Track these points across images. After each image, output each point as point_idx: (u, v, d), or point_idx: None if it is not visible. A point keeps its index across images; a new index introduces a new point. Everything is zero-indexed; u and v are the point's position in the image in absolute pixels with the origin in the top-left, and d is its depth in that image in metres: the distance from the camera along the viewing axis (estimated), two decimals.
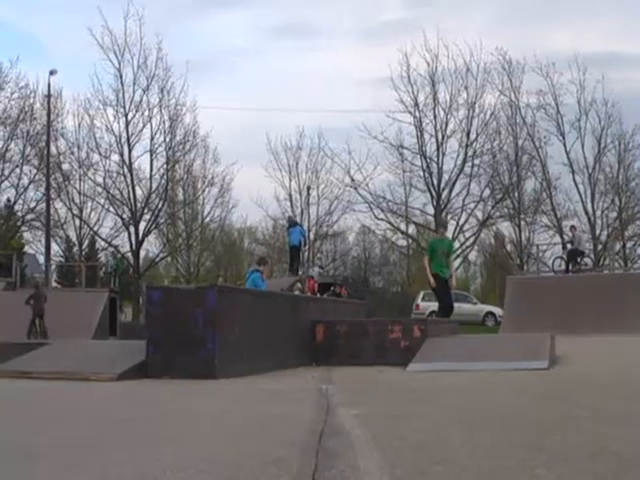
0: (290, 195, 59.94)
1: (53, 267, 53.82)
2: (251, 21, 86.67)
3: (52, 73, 50.35)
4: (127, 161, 53.81)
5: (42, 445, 5.59)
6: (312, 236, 58.18)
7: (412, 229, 57.01)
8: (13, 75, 52.93)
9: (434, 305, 44.13)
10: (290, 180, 60.11)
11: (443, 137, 52.83)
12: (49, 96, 50.59)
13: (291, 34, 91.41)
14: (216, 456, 5.08)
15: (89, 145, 54.21)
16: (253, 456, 5.00)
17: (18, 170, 53.48)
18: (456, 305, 41.89)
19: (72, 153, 54.52)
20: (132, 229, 54.08)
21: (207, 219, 60.07)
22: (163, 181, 55.02)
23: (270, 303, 14.35)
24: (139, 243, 54.20)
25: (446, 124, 52.81)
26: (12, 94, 53.02)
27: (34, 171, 53.33)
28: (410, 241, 57.36)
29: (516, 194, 53.06)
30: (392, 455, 4.99)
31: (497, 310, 42.78)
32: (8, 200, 54.82)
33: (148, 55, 53.52)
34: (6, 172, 53.43)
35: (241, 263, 62.97)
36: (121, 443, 5.69)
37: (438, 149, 52.75)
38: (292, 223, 36.21)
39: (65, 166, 54.56)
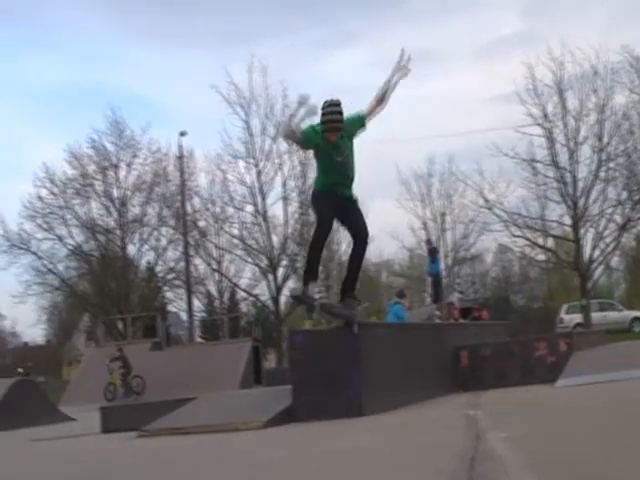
0: (424, 223, 59.77)
1: (196, 323, 54.66)
2: (367, 57, 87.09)
3: (182, 134, 51.57)
4: (261, 210, 54.45)
5: None
6: (450, 261, 57.77)
7: (550, 242, 56.00)
8: (145, 141, 54.42)
9: (578, 317, 43.43)
10: (423, 208, 59.96)
11: (575, 145, 51.81)
12: (181, 157, 51.74)
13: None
14: None
15: (223, 199, 55.06)
16: None
17: (156, 232, 54.75)
18: (601, 314, 40.95)
19: (207, 209, 55.49)
20: (270, 276, 54.56)
21: (344, 257, 60.25)
22: (298, 225, 55.45)
23: (411, 334, 14.23)
24: (278, 289, 54.65)
25: (577, 131, 51.79)
26: (145, 159, 54.49)
27: (171, 231, 54.50)
28: (549, 255, 56.30)
29: None
30: (547, 478, 4.86)
31: None
32: (149, 262, 56.10)
33: (274, 103, 54.22)
34: (145, 235, 54.78)
35: (380, 297, 62.86)
36: None
37: (571, 158, 51.79)
38: (432, 251, 35.97)
39: (201, 223, 55.55)
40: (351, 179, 11.47)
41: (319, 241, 11.05)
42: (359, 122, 11.28)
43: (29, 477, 7.99)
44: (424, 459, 6.28)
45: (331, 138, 10.94)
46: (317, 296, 11.18)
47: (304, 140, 11.33)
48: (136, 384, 31.55)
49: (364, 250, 11.48)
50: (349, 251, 11.84)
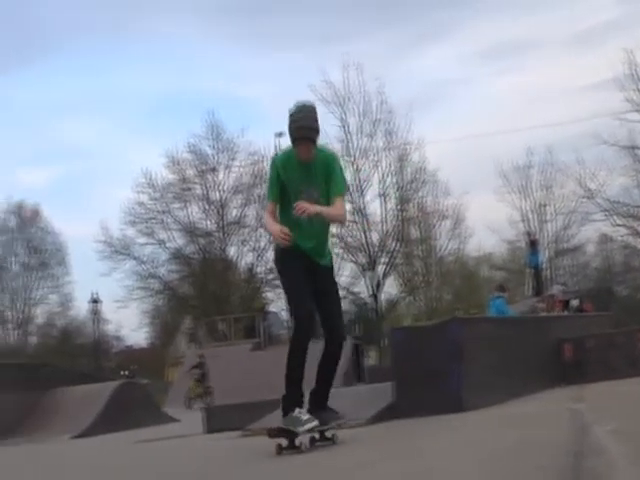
0: (524, 216, 59.15)
1: None
2: (461, 50, 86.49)
3: (279, 135, 51.89)
4: (359, 208, 54.51)
5: None
6: (550, 253, 57.08)
7: None
8: (243, 144, 54.98)
9: None
10: (523, 200, 59.35)
11: None
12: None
13: (502, 55, 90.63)
14: None
15: None
16: None
17: (256, 233, 55.18)
18: None
19: None
20: (370, 273, 54.53)
21: (443, 253, 59.98)
22: (396, 222, 55.39)
23: (512, 328, 14.10)
24: (378, 286, 54.61)
25: None
26: (244, 161, 55.06)
27: None
28: None
29: None
30: None
31: None
32: (249, 263, 56.59)
33: (370, 101, 54.30)
34: (244, 237, 55.28)
35: (480, 292, 62.36)
36: None
37: None
38: (532, 243, 35.63)
39: None
40: (322, 243, 8.48)
41: (299, 343, 8.36)
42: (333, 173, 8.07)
43: (137, 477, 8.10)
44: (529, 455, 6.18)
45: (302, 154, 7.89)
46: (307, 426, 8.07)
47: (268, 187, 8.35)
48: (205, 393, 31.56)
49: (339, 356, 8.71)
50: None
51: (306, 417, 8.01)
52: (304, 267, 7.93)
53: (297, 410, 7.99)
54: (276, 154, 9.09)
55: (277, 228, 7.73)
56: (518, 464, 5.72)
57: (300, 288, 7.98)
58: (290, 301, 8.38)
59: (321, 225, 8.20)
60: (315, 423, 8.02)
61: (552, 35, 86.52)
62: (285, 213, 7.93)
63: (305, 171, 7.87)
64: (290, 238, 7.63)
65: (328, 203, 7.86)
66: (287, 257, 7.99)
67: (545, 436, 7.14)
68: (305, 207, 7.59)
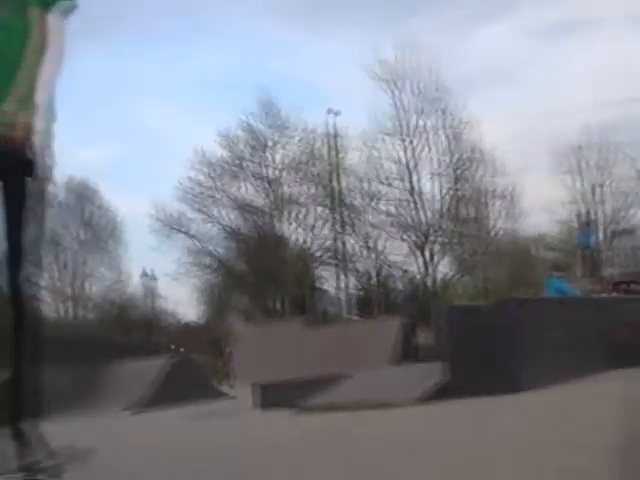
0: (579, 196, 58.66)
1: (349, 300, 55.09)
2: (517, 28, 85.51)
3: (333, 113, 52.01)
4: (414, 187, 54.44)
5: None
6: (605, 234, 56.57)
7: None
8: (297, 121, 55.11)
9: None
10: (579, 180, 58.86)
11: None
12: (332, 136, 52.22)
13: (559, 33, 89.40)
14: (557, 465, 4.94)
15: (375, 177, 55.24)
16: (579, 472, 4.83)
17: (308, 211, 55.34)
18: None
19: (359, 187, 55.77)
20: (424, 252, 54.49)
21: (498, 232, 59.69)
22: (451, 201, 55.25)
23: (567, 310, 13.99)
24: (432, 265, 54.53)
25: None
26: (297, 140, 55.21)
27: (324, 210, 54.99)
28: None
29: None
30: None
31: None
32: (301, 241, 56.76)
33: (424, 79, 54.10)
34: (297, 214, 55.45)
35: (535, 272, 61.97)
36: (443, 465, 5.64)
37: None
38: (585, 224, 35.37)
39: (353, 200, 55.86)
40: None
41: None
42: None
43: (193, 454, 8.16)
44: (592, 437, 6.14)
45: None
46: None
47: None
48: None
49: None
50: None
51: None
52: None
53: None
54: None
55: None
56: (583, 446, 5.69)
57: None
58: None
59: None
60: None
61: (616, 12, 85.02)
62: None
63: None
64: None
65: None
66: None
67: (608, 418, 7.09)
68: None
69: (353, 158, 55.94)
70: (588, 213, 53.01)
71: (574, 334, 13.01)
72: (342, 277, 52.94)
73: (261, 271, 53.99)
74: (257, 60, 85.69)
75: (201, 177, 54.86)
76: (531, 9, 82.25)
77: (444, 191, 55.04)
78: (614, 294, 26.74)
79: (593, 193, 57.81)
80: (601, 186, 57.90)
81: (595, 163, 58.38)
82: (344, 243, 54.19)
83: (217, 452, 8.08)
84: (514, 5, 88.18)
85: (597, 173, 58.34)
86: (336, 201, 52.58)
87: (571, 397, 9.80)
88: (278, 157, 55.73)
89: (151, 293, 59.83)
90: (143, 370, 19.92)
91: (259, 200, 55.97)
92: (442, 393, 10.90)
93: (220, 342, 33.23)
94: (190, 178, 54.51)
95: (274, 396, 14.30)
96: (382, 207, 55.41)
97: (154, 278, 59.05)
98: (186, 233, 55.03)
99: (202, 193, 54.93)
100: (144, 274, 58.98)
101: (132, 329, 57.31)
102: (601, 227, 56.69)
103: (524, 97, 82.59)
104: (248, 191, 55.83)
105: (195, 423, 13.17)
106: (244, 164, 55.58)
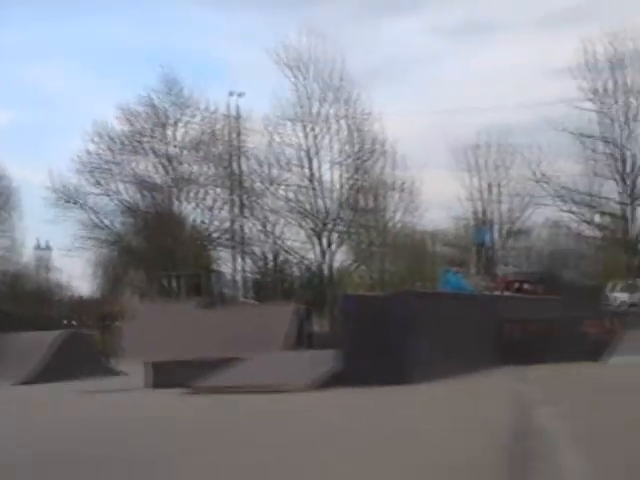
0: (475, 194, 59.37)
1: (245, 283, 55.03)
2: (424, 24, 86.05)
3: (236, 95, 51.69)
4: (314, 174, 54.47)
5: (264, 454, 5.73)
6: (498, 234, 57.46)
7: (600, 219, 55.49)
8: (199, 100, 54.61)
9: (628, 296, 42.87)
10: (474, 179, 59.49)
11: (631, 121, 51.36)
12: (234, 117, 51.96)
13: (466, 33, 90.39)
14: (420, 463, 5.10)
15: (275, 162, 55.09)
16: (455, 460, 5.00)
17: (207, 192, 54.98)
18: None
19: (259, 171, 55.60)
20: (322, 240, 54.64)
21: (396, 225, 60.09)
22: (350, 191, 55.44)
23: (461, 305, 14.25)
24: (329, 254, 54.74)
25: (632, 108, 51.29)
26: (199, 118, 54.70)
27: (223, 191, 54.72)
28: (598, 231, 55.85)
29: None
30: (595, 454, 4.90)
31: None
32: (199, 221, 56.42)
33: (330, 68, 54.01)
34: (196, 194, 55.05)
35: (430, 266, 62.73)
36: (318, 453, 5.75)
37: (623, 133, 51.32)
38: (480, 222, 35.97)
39: (252, 184, 55.66)
40: None
41: None
42: None
43: (81, 429, 8.17)
44: (471, 432, 6.34)
45: None
46: None
47: None
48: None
49: None
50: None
51: None
52: None
53: None
54: None
55: None
56: (461, 441, 5.87)
57: None
58: None
59: None
60: None
61: (520, 17, 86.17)
62: None
63: None
64: None
65: None
66: None
67: (488, 415, 7.30)
68: None
69: (254, 141, 55.81)
70: (484, 212, 53.85)
71: (466, 329, 13.28)
72: (239, 260, 52.80)
73: (158, 249, 53.46)
74: (162, 36, 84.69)
75: (100, 150, 54.10)
76: (438, 7, 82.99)
77: (344, 180, 55.22)
78: (507, 292, 27.27)
79: (490, 192, 58.58)
80: (498, 186, 58.66)
81: (492, 163, 59.10)
82: (242, 226, 54.05)
83: (105, 427, 8.11)
84: (422, 1, 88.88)
85: (494, 173, 59.10)
86: (236, 183, 52.27)
87: (460, 390, 10.03)
88: (179, 135, 55.20)
89: (45, 265, 58.74)
90: (34, 343, 19.68)
91: (158, 177, 55.44)
92: (333, 381, 11.02)
93: (113, 318, 32.90)
94: (88, 151, 53.74)
95: (165, 375, 14.31)
96: (282, 192, 55.39)
97: (49, 249, 57.99)
98: (82, 206, 54.22)
99: (100, 167, 54.14)
100: (38, 246, 57.89)
101: (24, 300, 56.31)
102: (497, 226, 57.50)
103: (426, 93, 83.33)
104: (147, 167, 55.23)
105: (84, 398, 13.09)
106: (144, 140, 54.93)
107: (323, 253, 54.38)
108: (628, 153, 51.20)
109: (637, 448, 5.06)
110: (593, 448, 5.12)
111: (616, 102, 51.34)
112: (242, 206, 52.09)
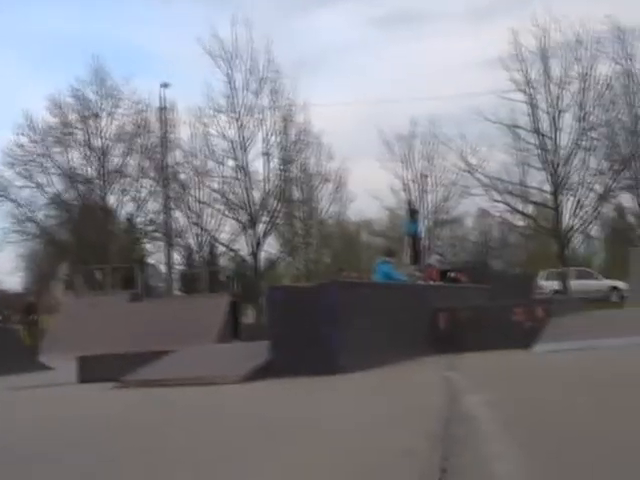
0: (405, 184, 59.79)
1: (175, 275, 54.84)
2: (355, 15, 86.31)
3: (165, 86, 51.47)
4: (242, 165, 54.47)
5: (181, 450, 5.67)
6: (430, 224, 57.94)
7: (530, 208, 56.24)
8: (127, 91, 54.24)
9: (556, 284, 43.66)
10: (405, 169, 59.96)
11: (557, 113, 52.10)
12: (163, 109, 51.68)
13: (398, 23, 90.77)
14: (349, 450, 5.09)
15: (204, 153, 55.04)
16: (383, 448, 5.00)
17: (137, 184, 54.69)
18: (579, 282, 41.23)
19: (188, 162, 55.45)
20: (250, 232, 54.65)
21: (324, 216, 60.35)
22: (279, 182, 55.53)
23: (391, 294, 14.31)
24: (258, 245, 54.76)
25: (560, 99, 52.02)
26: (127, 110, 54.38)
27: (152, 183, 54.45)
28: (528, 221, 56.59)
29: (635, 164, 51.88)
30: (522, 441, 4.93)
31: (622, 285, 41.75)
32: (128, 214, 56.07)
33: (258, 58, 54.07)
34: (125, 186, 54.70)
35: (360, 257, 63.00)
36: (258, 445, 5.72)
37: (553, 125, 52.03)
38: (412, 212, 36.13)
39: (182, 176, 55.53)
40: None
41: None
42: None
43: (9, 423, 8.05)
44: (401, 419, 6.36)
45: None
46: None
47: None
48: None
49: None
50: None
51: None
52: None
53: None
54: None
55: None
56: (390, 427, 5.87)
57: None
58: None
59: None
60: None
61: (452, 7, 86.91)
62: None
63: None
64: None
65: None
66: None
67: (418, 401, 7.32)
68: None
69: (185, 132, 55.65)
70: (416, 201, 54.23)
71: (397, 318, 13.32)
72: (169, 252, 52.56)
73: (87, 241, 53.07)
74: (94, 27, 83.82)
75: (30, 142, 53.46)
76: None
77: (273, 171, 55.31)
78: (438, 282, 27.40)
79: (422, 182, 59.01)
80: (427, 176, 59.12)
81: (425, 153, 59.60)
82: (171, 218, 53.82)
83: (30, 423, 7.99)
84: None
85: (426, 163, 59.58)
86: (166, 175, 52.04)
87: (390, 379, 10.05)
88: (109, 127, 54.80)
89: None
90: None
91: (88, 169, 54.97)
92: (265, 372, 10.99)
93: (38, 312, 32.55)
94: (18, 143, 53.11)
95: (94, 369, 14.14)
96: (211, 184, 55.31)
97: None
98: (9, 198, 53.54)
99: (31, 159, 53.51)
100: None
101: None
102: (429, 216, 57.99)
103: (359, 83, 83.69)
104: (77, 159, 54.76)
105: (12, 395, 12.91)
106: (73, 131, 54.43)
107: (252, 244, 54.43)
108: (556, 144, 51.97)
109: (563, 433, 5.10)
110: (518, 433, 5.15)
111: (545, 93, 52.13)
112: (171, 198, 51.80)
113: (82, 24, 79.75)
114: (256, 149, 55.06)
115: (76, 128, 54.42)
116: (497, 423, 5.70)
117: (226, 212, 55.63)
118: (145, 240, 57.06)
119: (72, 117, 54.26)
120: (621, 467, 4.12)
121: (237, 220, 55.50)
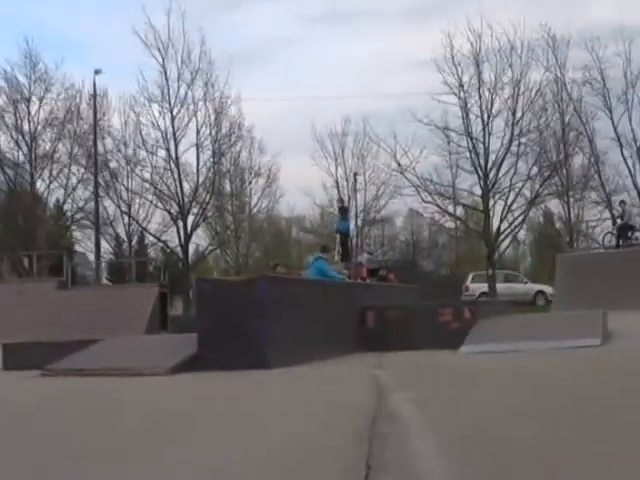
0: (337, 182, 59.92)
1: (103, 264, 54.34)
2: (291, 10, 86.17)
3: (97, 72, 50.82)
4: (174, 156, 54.17)
5: (98, 442, 5.65)
6: (360, 222, 58.13)
7: (460, 211, 56.76)
8: (59, 76, 53.54)
9: (484, 286, 44.18)
10: (336, 167, 60.06)
11: (489, 117, 52.52)
12: (95, 95, 51.08)
13: (334, 20, 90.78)
14: (274, 446, 5.11)
15: (136, 142, 54.58)
16: (309, 445, 5.02)
17: (66, 170, 54.04)
18: (506, 285, 41.77)
19: (119, 151, 54.94)
20: (180, 223, 54.39)
21: (255, 210, 60.29)
22: (210, 174, 55.31)
23: (320, 291, 14.35)
24: (188, 237, 54.52)
25: (491, 104, 52.55)
26: (58, 95, 53.65)
27: (82, 170, 53.85)
28: (458, 223, 57.12)
29: (564, 171, 52.57)
30: (447, 439, 4.99)
31: (548, 289, 42.38)
32: (57, 200, 55.42)
33: (192, 50, 53.76)
34: (55, 172, 54.03)
35: (290, 253, 63.09)
36: (178, 438, 5.72)
37: (484, 129, 52.53)
38: (342, 209, 36.27)
39: (112, 164, 54.98)
40: None
41: None
42: None
43: None
44: (327, 415, 6.39)
45: None
46: None
47: None
48: None
49: None
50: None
51: None
52: None
53: None
54: None
55: None
56: (316, 423, 5.91)
57: None
58: None
59: None
60: None
61: (387, 6, 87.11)
62: None
63: None
64: None
65: None
66: None
67: (345, 398, 7.37)
68: None
69: (117, 121, 55.16)
70: (348, 199, 54.44)
71: (326, 315, 13.37)
72: (98, 241, 52.01)
73: (14, 227, 52.37)
74: (25, 10, 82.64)
75: None
76: None
77: (204, 163, 55.09)
78: (366, 280, 27.57)
79: (354, 180, 59.16)
80: (358, 174, 59.30)
81: (357, 151, 59.77)
82: (100, 206, 53.28)
83: None
84: None
85: (358, 161, 59.76)
86: (95, 162, 51.47)
87: (317, 375, 10.09)
88: (39, 112, 54.08)
89: None
90: None
91: (16, 154, 54.24)
92: (191, 365, 10.96)
93: None
94: None
95: (20, 357, 13.97)
96: (142, 173, 54.93)
97: None
98: None
99: None
100: None
101: None
102: (360, 214, 58.18)
103: (292, 79, 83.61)
104: (4, 144, 53.99)
105: None
106: (2, 114, 53.67)
107: (182, 236, 54.22)
108: (487, 148, 52.53)
109: (484, 431, 5.18)
110: (444, 431, 5.21)
111: (478, 97, 52.66)
112: (99, 186, 51.27)
113: (16, 7, 78.64)
114: (188, 140, 54.76)
115: (5, 111, 53.66)
116: (422, 421, 5.76)
117: (156, 203, 55.32)
118: (74, 227, 56.42)
119: (1, 100, 53.50)
120: (536, 463, 4.22)
121: (167, 211, 55.22)
